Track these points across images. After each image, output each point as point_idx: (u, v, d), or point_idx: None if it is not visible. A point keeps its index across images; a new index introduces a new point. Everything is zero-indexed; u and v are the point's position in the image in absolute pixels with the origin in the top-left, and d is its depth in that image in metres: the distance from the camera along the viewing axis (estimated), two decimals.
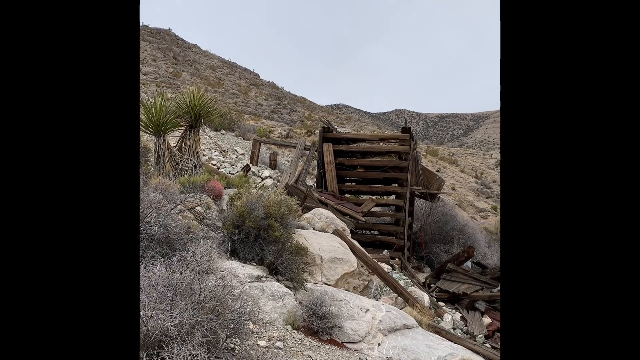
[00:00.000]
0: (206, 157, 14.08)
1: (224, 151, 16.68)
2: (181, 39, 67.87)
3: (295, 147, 14.90)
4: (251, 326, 3.69)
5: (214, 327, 2.94)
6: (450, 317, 8.48)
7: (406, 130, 13.50)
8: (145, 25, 64.22)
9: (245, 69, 69.12)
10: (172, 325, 2.75)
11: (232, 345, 3.37)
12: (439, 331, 6.57)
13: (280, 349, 4.17)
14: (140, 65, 45.77)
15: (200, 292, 3.01)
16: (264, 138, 20.77)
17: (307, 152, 14.22)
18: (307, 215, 8.79)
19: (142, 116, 8.56)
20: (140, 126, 8.63)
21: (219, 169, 13.19)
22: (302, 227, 7.63)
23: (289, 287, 5.45)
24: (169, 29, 68.95)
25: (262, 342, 4.12)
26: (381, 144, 13.79)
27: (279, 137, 31.09)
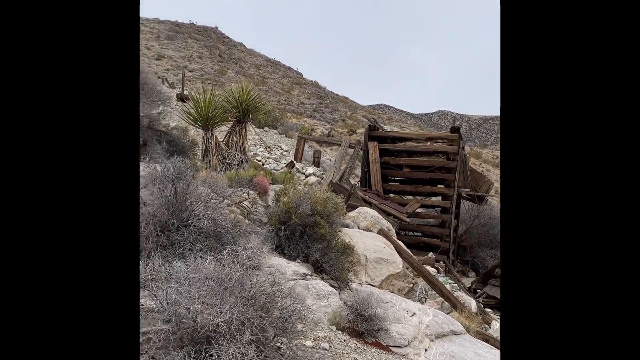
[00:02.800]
0: (251, 153, 14.17)
1: (269, 147, 16.74)
2: (227, 37, 68.87)
3: (339, 145, 14.76)
4: (298, 325, 3.58)
5: (264, 324, 2.84)
6: (498, 325, 8.14)
7: (455, 130, 13.12)
8: (192, 23, 65.57)
9: (289, 68, 69.41)
10: (221, 321, 2.66)
11: (279, 345, 3.27)
12: (487, 339, 6.28)
13: (327, 349, 4.05)
14: (187, 62, 46.84)
15: (251, 288, 2.92)
16: (307, 135, 20.74)
17: (351, 150, 14.05)
18: (352, 213, 8.64)
19: (191, 110, 8.66)
20: (189, 120, 8.73)
21: (263, 164, 13.23)
22: (347, 226, 7.49)
23: (333, 287, 5.32)
24: (216, 27, 70.01)
25: (307, 342, 4.01)
26: (428, 143, 13.46)
27: (320, 135, 31.02)
